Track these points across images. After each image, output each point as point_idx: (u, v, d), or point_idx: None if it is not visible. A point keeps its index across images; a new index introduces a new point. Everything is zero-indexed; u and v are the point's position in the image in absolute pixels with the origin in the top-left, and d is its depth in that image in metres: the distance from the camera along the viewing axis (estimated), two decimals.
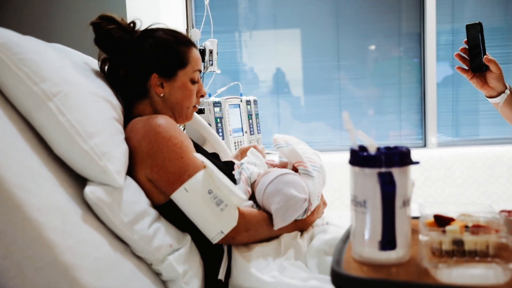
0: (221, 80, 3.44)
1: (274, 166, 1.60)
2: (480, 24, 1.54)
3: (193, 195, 1.25)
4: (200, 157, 1.29)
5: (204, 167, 1.28)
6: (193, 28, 3.19)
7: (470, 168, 3.24)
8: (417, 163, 0.90)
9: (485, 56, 1.53)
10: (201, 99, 1.54)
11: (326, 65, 3.56)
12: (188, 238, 1.31)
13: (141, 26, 1.48)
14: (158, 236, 1.22)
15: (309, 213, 1.39)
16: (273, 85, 3.59)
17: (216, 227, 1.26)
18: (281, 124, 3.56)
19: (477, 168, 3.24)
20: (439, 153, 3.29)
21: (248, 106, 2.70)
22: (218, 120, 2.38)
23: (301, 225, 1.41)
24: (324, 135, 3.59)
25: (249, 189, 1.43)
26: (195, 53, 1.48)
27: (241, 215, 1.31)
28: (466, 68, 1.60)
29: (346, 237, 1.02)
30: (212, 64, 2.58)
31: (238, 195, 1.26)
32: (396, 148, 0.91)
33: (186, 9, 2.65)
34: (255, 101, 2.78)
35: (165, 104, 1.45)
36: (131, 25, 1.47)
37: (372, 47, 3.56)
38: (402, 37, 3.53)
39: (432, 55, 3.43)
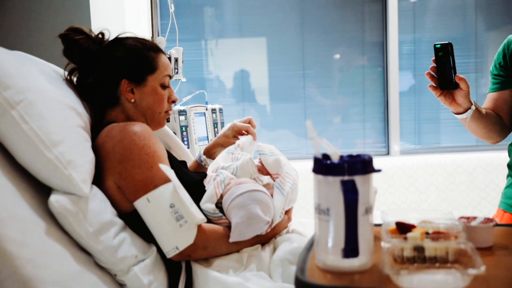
0: (187, 88, 3.43)
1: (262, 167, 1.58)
2: (450, 44, 1.57)
3: (154, 206, 1.24)
4: (166, 170, 1.27)
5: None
6: (158, 36, 3.17)
7: (432, 175, 3.31)
8: (379, 171, 0.91)
9: (456, 74, 1.56)
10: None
11: (292, 73, 3.60)
12: (153, 249, 1.29)
13: (109, 36, 1.49)
14: (124, 246, 1.20)
15: (269, 229, 1.38)
16: (239, 93, 3.60)
17: (171, 242, 1.24)
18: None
19: (439, 175, 3.31)
20: (402, 161, 3.35)
21: (214, 115, 2.70)
22: (184, 128, 2.37)
23: (260, 239, 1.40)
24: (290, 143, 3.62)
25: (218, 192, 1.42)
26: (164, 59, 1.49)
27: (201, 232, 1.28)
28: (435, 85, 1.63)
29: (310, 245, 1.03)
30: (177, 72, 2.57)
31: (195, 215, 1.25)
32: (358, 156, 0.92)
33: (152, 17, 2.63)
34: (220, 109, 2.78)
35: (137, 110, 1.45)
36: (100, 35, 1.47)
37: (337, 56, 3.61)
38: (365, 46, 3.59)
39: (394, 65, 3.50)
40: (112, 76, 1.42)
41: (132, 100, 1.43)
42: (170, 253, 1.25)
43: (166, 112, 1.51)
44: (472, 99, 1.64)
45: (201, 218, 1.27)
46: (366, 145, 3.63)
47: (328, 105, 3.63)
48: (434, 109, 3.62)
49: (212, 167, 1.58)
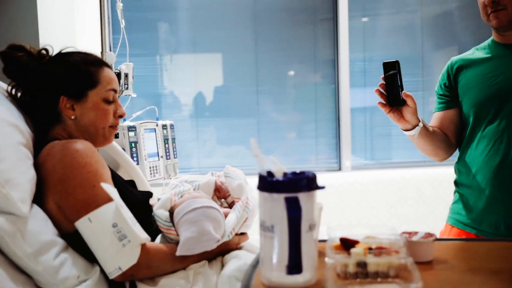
0: (141, 103, 3.38)
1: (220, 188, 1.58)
2: (397, 62, 1.61)
3: (96, 226, 1.21)
4: (108, 189, 1.24)
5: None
6: (110, 50, 3.14)
7: (382, 190, 3.37)
8: (322, 188, 0.92)
9: (403, 91, 1.60)
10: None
11: (246, 89, 3.61)
12: (96, 269, 1.26)
13: (53, 52, 1.46)
14: (65, 267, 1.17)
15: (215, 246, 1.37)
16: (194, 108, 3.59)
17: (114, 263, 1.22)
18: (201, 148, 3.55)
19: (389, 190, 3.37)
20: (354, 177, 3.40)
21: (164, 131, 2.68)
22: (133, 144, 2.34)
23: (205, 255, 1.38)
24: (244, 159, 3.61)
25: (173, 200, 1.41)
26: (107, 72, 1.44)
27: (145, 252, 1.26)
28: (384, 102, 1.66)
29: (256, 262, 1.03)
30: (127, 88, 2.54)
31: (138, 234, 1.24)
32: (302, 173, 0.93)
33: (101, 32, 2.60)
34: (171, 125, 2.77)
35: (78, 127, 1.41)
36: (43, 51, 1.44)
37: (291, 73, 3.65)
38: (318, 64, 3.65)
39: (345, 82, 3.57)
40: (50, 93, 1.39)
41: (73, 117, 1.40)
42: (113, 273, 1.22)
43: (112, 126, 1.46)
44: (420, 117, 1.68)
45: (144, 237, 1.25)
46: (319, 161, 3.66)
47: (282, 121, 3.66)
48: (386, 126, 3.70)
49: (177, 180, 1.57)
